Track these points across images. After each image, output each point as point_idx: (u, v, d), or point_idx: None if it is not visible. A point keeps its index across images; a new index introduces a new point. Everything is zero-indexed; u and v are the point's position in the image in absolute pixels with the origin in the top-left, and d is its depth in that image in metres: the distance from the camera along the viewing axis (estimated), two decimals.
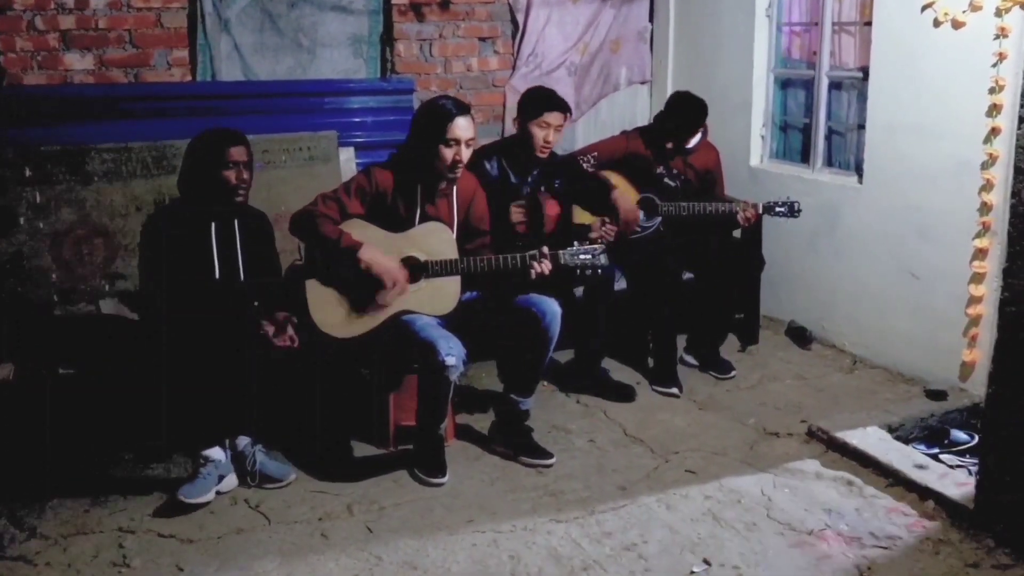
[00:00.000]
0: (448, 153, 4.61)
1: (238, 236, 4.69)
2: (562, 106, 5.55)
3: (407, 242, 4.69)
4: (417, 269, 4.68)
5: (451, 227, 4.80)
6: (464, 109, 4.67)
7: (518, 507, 4.48)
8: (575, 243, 4.84)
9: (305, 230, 4.63)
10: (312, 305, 4.65)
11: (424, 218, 4.75)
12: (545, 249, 4.64)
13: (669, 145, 5.96)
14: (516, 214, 5.57)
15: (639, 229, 5.88)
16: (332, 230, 4.56)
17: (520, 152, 5.59)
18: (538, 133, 5.48)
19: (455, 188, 4.82)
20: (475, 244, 4.89)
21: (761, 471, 4.79)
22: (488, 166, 5.56)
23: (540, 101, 5.53)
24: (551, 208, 5.64)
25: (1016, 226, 3.92)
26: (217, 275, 4.64)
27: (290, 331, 4.61)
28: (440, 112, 4.61)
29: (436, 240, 4.73)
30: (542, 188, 5.68)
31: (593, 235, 5.61)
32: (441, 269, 4.67)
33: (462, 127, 4.61)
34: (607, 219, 5.69)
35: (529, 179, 5.65)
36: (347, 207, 4.65)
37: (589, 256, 4.68)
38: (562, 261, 4.66)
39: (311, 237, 4.63)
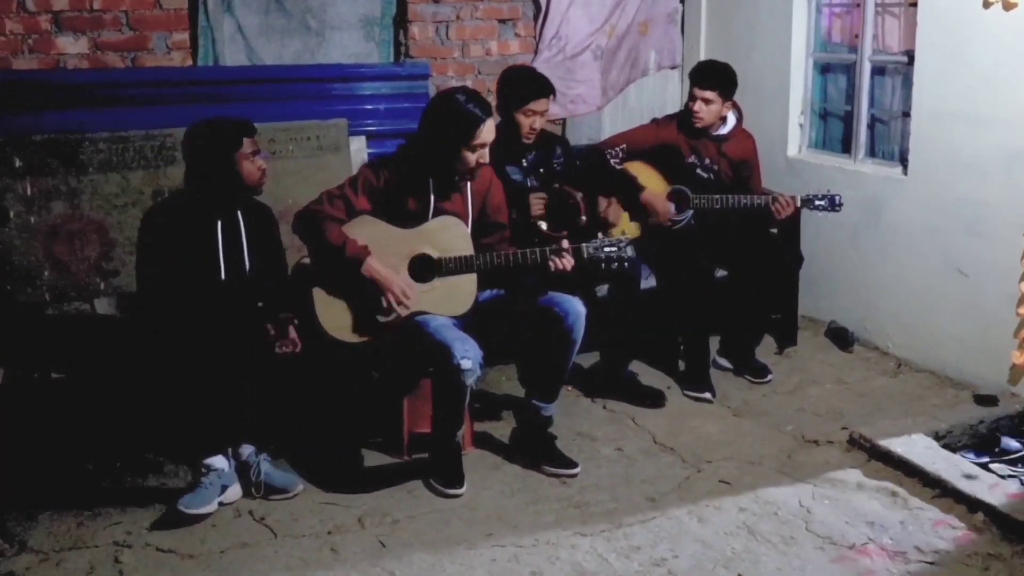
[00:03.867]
0: (472, 158, 4.61)
1: (243, 232, 4.68)
2: (547, 90, 5.51)
3: (419, 238, 4.67)
4: (429, 267, 4.67)
5: (466, 222, 4.78)
6: (489, 110, 4.66)
7: (540, 520, 4.48)
8: (599, 235, 4.82)
9: (309, 233, 4.62)
10: (320, 309, 4.65)
11: (437, 213, 4.73)
12: (565, 243, 4.62)
13: (691, 106, 5.87)
14: (536, 206, 5.54)
15: (669, 223, 5.87)
16: (337, 235, 4.54)
17: (507, 140, 5.48)
18: (524, 122, 5.47)
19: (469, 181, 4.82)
20: (494, 238, 4.87)
21: (799, 481, 4.78)
22: None
23: (525, 87, 5.48)
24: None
25: None
26: (223, 273, 4.61)
27: (292, 334, 4.60)
28: (467, 116, 4.56)
29: (450, 236, 4.71)
30: (541, 170, 5.67)
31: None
32: (455, 266, 4.66)
33: (490, 131, 4.62)
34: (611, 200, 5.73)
35: (524, 163, 5.63)
36: (355, 204, 4.64)
37: (615, 248, 4.64)
38: (585, 255, 4.63)
39: (315, 241, 4.61)
